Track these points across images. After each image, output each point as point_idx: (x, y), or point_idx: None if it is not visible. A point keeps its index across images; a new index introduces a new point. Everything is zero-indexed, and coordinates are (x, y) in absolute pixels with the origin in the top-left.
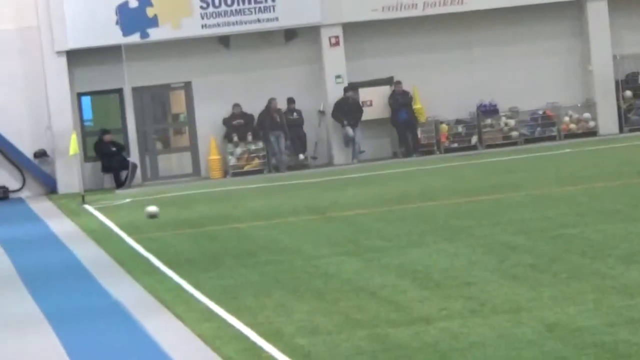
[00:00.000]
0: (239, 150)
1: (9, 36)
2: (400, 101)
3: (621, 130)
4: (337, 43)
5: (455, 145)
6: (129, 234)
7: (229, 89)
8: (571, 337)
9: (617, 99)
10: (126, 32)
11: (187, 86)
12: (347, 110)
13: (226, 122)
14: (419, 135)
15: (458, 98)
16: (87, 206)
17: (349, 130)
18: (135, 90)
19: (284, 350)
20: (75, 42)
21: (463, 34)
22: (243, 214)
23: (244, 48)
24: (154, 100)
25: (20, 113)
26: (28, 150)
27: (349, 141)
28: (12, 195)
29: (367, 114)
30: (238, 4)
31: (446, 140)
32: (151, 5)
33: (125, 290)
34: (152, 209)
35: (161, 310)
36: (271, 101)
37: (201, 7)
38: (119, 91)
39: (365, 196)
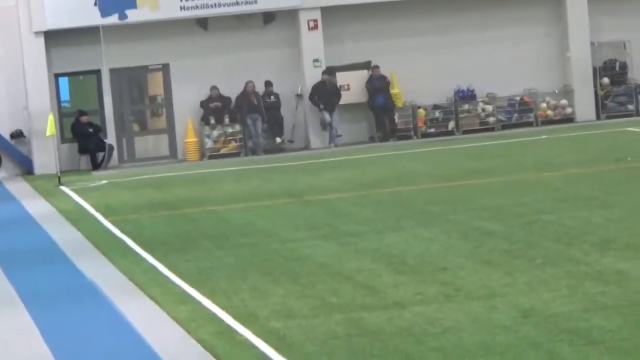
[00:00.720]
0: (215, 133)
1: None
2: (378, 85)
3: (598, 117)
4: (316, 27)
5: (433, 130)
6: (105, 215)
7: (207, 72)
8: (545, 322)
9: (595, 86)
10: (104, 13)
11: (165, 68)
12: (325, 93)
13: (203, 104)
14: (396, 120)
15: (436, 83)
16: (63, 187)
17: (326, 115)
18: (113, 72)
19: (258, 334)
20: (54, 23)
21: (441, 19)
22: (219, 197)
23: (222, 30)
24: (131, 82)
25: None
26: (4, 131)
27: (326, 125)
28: None
29: (345, 98)
30: None
31: (423, 126)
32: None
33: (101, 272)
34: None
35: (136, 292)
36: (248, 84)
37: None
38: (97, 72)
39: (341, 180)
